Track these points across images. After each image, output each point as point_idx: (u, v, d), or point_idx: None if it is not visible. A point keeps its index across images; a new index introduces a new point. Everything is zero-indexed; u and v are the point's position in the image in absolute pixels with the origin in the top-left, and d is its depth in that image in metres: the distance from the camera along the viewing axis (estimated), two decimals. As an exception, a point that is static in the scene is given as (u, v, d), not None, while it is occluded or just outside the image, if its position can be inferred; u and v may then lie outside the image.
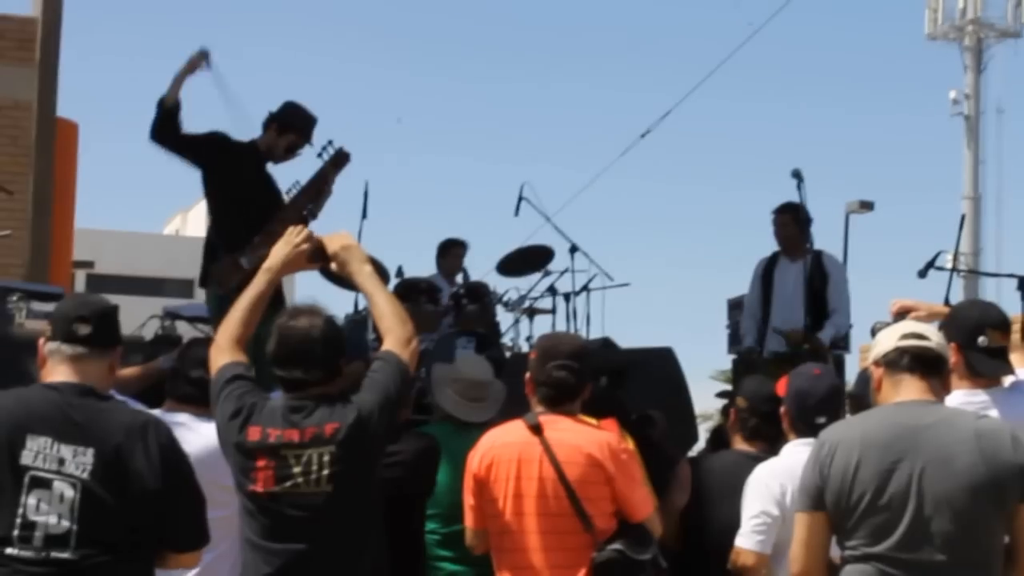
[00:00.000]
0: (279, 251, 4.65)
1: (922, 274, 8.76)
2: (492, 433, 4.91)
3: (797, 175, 8.28)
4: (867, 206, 18.21)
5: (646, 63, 68.53)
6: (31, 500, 3.84)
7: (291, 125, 7.74)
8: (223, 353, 4.48)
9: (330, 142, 7.78)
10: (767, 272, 8.86)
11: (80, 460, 3.88)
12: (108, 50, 67.74)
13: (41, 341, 4.11)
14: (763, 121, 66.53)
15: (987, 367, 4.76)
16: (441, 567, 5.55)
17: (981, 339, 4.76)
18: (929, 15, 34.79)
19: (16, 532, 3.83)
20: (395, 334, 4.43)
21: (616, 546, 4.63)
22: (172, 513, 4.01)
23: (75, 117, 12.65)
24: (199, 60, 7.48)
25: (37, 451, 3.87)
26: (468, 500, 4.84)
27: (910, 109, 62.76)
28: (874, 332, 4.46)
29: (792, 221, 8.67)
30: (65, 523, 3.84)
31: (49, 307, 7.77)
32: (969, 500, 3.82)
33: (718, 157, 64.49)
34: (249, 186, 7.61)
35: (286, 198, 7.76)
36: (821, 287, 8.63)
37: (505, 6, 73.71)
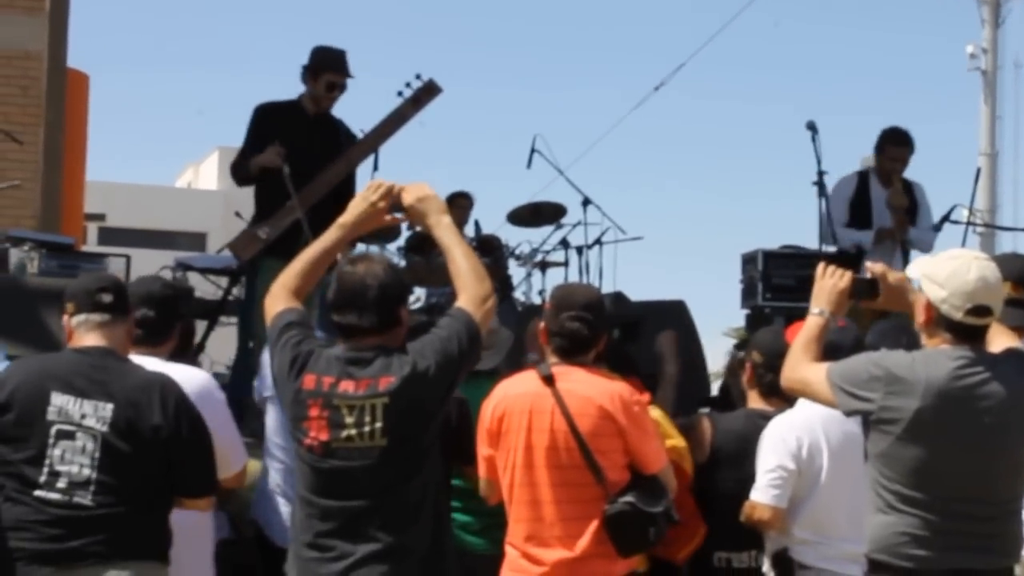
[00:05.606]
0: (355, 207, 4.54)
1: (937, 228, 8.74)
2: (505, 383, 4.88)
3: (812, 127, 8.21)
4: (882, 160, 18.07)
5: (660, 15, 68.16)
6: (56, 451, 4.25)
7: (320, 65, 7.75)
8: (277, 300, 4.42)
9: (417, 76, 7.71)
10: (861, 190, 8.71)
11: (100, 414, 4.28)
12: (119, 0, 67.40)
13: (65, 318, 4.48)
14: (777, 74, 66.21)
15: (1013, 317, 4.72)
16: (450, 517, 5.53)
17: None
18: (946, -33, 34.31)
19: (43, 479, 4.23)
20: (470, 292, 4.34)
21: (628, 498, 4.60)
22: (184, 461, 4.37)
23: (86, 68, 12.59)
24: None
25: (61, 407, 4.27)
26: (481, 450, 4.82)
27: (926, 63, 62.38)
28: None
29: (907, 156, 8.67)
30: (86, 471, 4.24)
31: (61, 258, 7.77)
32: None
33: (732, 110, 64.12)
34: (292, 143, 7.43)
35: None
36: (912, 214, 8.65)
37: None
